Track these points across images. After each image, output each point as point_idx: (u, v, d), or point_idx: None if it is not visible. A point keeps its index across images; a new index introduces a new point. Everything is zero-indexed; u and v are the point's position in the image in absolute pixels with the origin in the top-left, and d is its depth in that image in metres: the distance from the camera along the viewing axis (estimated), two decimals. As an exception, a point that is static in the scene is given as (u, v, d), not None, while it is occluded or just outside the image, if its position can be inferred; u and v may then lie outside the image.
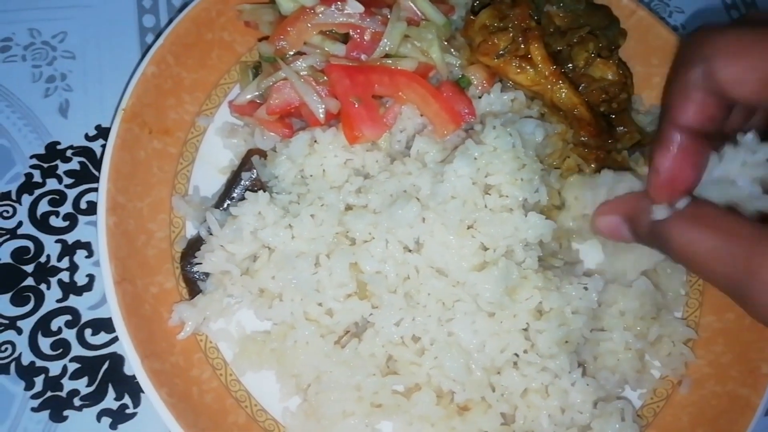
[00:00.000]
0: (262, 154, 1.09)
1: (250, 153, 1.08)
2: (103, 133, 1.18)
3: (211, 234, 1.01)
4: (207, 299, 1.00)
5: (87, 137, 1.18)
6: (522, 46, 1.08)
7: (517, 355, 0.94)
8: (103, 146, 1.16)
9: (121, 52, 1.25)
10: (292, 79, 1.05)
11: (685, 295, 1.13)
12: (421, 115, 1.09)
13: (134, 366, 0.89)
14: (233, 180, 1.07)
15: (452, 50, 1.14)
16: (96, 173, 1.14)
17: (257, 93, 1.11)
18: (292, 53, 1.09)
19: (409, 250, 0.97)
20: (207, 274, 1.02)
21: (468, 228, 0.97)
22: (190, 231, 1.08)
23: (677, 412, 1.05)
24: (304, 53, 1.09)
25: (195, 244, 1.04)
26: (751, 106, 0.73)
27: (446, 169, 0.98)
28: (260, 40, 1.13)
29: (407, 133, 1.10)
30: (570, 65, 1.12)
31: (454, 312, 0.93)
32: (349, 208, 1.02)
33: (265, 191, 1.01)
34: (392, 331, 0.92)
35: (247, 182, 1.05)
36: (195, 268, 1.02)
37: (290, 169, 1.04)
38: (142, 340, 0.92)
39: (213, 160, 1.14)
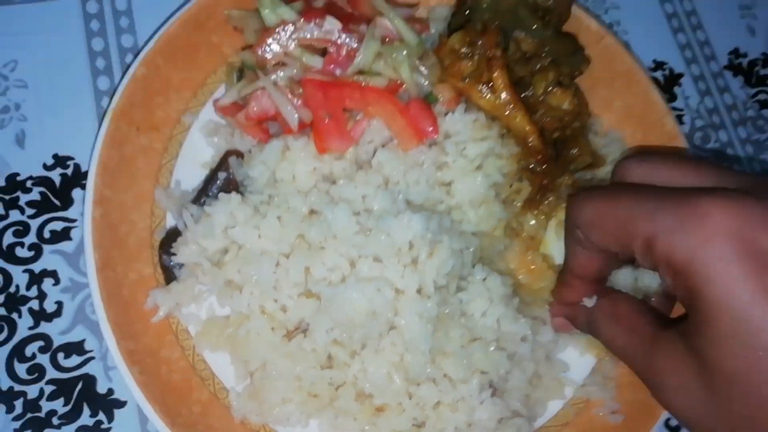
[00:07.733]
0: (239, 154, 1.17)
1: (228, 154, 1.16)
2: (60, 161, 1.18)
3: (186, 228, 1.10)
4: (180, 286, 1.09)
5: (45, 167, 1.18)
6: (486, 72, 1.16)
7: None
8: (62, 175, 1.18)
9: (72, 77, 1.24)
10: (270, 89, 1.13)
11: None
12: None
13: (110, 346, 0.99)
14: (210, 178, 1.15)
15: (423, 68, 1.21)
16: (56, 202, 1.17)
17: (238, 99, 1.19)
18: (273, 63, 1.17)
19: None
20: (182, 264, 1.12)
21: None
22: (170, 221, 1.16)
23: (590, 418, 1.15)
24: (285, 63, 1.16)
25: (173, 234, 1.13)
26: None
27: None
28: (244, 48, 1.21)
29: (375, 144, 1.17)
30: (530, 92, 1.20)
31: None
32: (313, 212, 1.11)
33: (238, 192, 1.10)
34: (325, 336, 1.00)
35: (221, 182, 1.14)
36: (171, 258, 1.12)
37: (264, 171, 1.12)
38: (119, 323, 1.01)
39: (195, 156, 1.21)
